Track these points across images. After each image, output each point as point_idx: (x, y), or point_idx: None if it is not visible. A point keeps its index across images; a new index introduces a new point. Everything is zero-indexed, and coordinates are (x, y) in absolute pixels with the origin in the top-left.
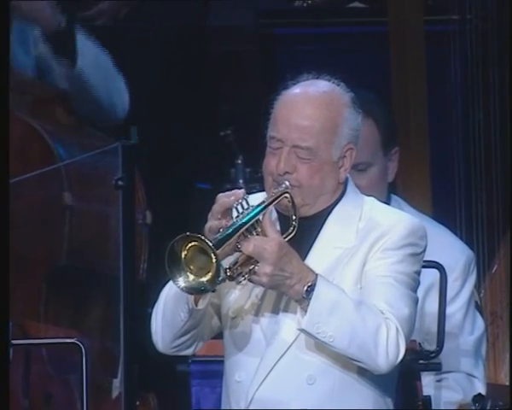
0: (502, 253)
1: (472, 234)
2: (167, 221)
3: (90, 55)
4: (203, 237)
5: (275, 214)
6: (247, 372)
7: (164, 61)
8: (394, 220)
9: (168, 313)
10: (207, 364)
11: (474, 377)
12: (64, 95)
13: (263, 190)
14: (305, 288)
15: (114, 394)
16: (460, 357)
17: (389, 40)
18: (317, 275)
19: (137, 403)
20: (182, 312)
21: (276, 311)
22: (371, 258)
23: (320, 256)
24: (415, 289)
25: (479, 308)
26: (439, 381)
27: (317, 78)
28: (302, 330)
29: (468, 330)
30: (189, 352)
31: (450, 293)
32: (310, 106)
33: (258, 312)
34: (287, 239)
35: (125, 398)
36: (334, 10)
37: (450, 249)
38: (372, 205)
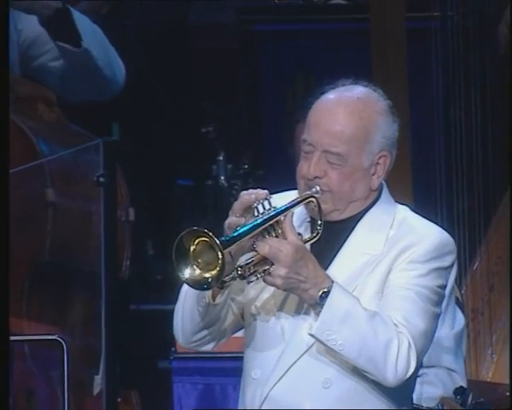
0: (483, 249)
1: (453, 230)
2: (148, 218)
3: (89, 31)
4: (211, 234)
5: (307, 218)
6: (263, 370)
7: (145, 58)
8: (424, 233)
9: (188, 309)
10: (189, 361)
11: (454, 371)
12: (47, 92)
13: (264, 189)
14: (320, 293)
15: (96, 390)
16: (440, 352)
17: (370, 37)
18: (333, 282)
19: (119, 400)
20: (200, 307)
21: (297, 311)
22: (396, 268)
23: (346, 261)
24: (436, 304)
25: (460, 304)
26: (419, 376)
27: (356, 83)
28: (312, 336)
29: (448, 325)
30: (209, 347)
31: None
32: (342, 112)
33: (279, 311)
34: (309, 243)
35: (106, 395)
36: (316, 7)
37: None
38: (405, 214)
